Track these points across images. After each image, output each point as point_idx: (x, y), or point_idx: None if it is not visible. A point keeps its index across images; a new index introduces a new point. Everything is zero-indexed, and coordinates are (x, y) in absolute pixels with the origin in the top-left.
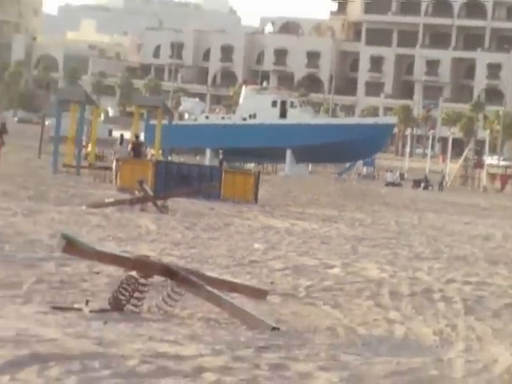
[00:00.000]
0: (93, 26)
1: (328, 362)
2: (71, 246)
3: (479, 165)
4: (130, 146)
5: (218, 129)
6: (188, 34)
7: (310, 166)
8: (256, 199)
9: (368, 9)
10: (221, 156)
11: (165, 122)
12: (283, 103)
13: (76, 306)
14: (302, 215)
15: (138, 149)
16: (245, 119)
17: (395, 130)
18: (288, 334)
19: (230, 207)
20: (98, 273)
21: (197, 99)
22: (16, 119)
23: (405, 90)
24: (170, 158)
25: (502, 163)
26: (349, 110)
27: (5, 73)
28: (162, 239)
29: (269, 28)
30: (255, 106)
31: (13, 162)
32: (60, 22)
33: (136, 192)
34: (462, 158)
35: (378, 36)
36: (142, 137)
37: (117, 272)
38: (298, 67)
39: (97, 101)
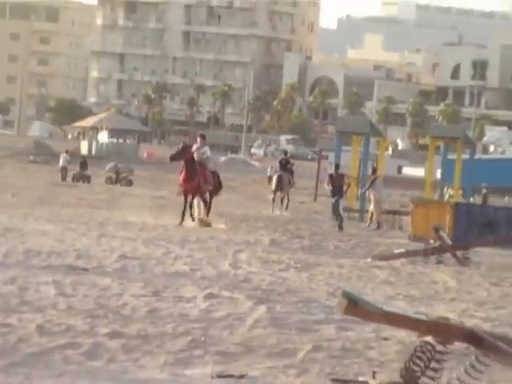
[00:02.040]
0: (379, 42)
1: None
2: (354, 306)
3: None
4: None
5: None
6: (493, 50)
7: None
8: None
9: None
10: None
11: (465, 155)
12: None
13: (360, 378)
14: None
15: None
16: None
17: None
18: None
19: None
20: (386, 338)
21: (504, 128)
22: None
23: None
24: (471, 199)
25: None
26: None
27: (275, 98)
28: (463, 298)
29: None
30: None
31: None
32: (339, 37)
33: (431, 241)
34: None
35: None
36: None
37: (409, 337)
38: None
39: (383, 131)
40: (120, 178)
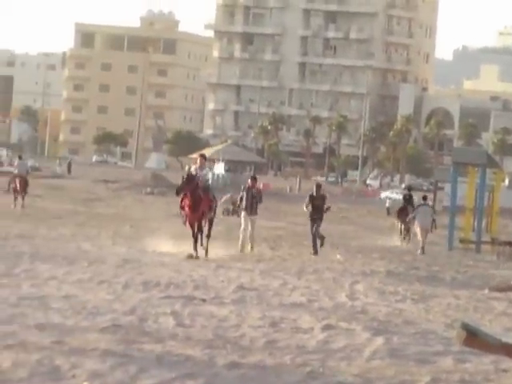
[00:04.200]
0: (495, 73)
1: None
2: (473, 338)
3: None
4: None
5: None
6: None
7: None
8: None
9: None
10: None
11: None
12: None
13: None
14: None
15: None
16: None
17: None
18: None
19: None
20: (505, 370)
21: None
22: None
23: None
24: None
25: None
26: None
27: (390, 129)
28: None
29: None
30: None
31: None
32: (456, 68)
33: None
34: None
35: None
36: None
37: None
38: None
39: (500, 163)
40: (236, 210)
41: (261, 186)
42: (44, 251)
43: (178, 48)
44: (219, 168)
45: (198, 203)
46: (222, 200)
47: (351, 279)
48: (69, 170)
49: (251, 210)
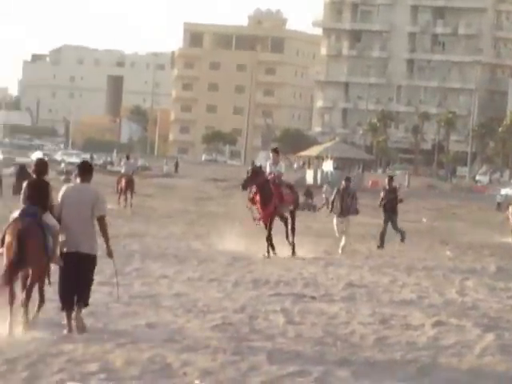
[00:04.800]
0: None
1: None
2: None
3: None
4: None
5: None
6: None
7: None
8: None
9: None
10: None
11: None
12: None
13: None
14: None
15: None
16: None
17: None
18: None
19: None
20: None
21: None
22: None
23: None
24: None
25: None
26: None
27: (499, 125)
28: None
29: None
30: None
31: None
32: None
33: None
34: None
35: None
36: None
37: None
38: None
39: None
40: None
41: (368, 183)
42: (154, 250)
43: (286, 46)
44: (328, 165)
45: (268, 198)
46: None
47: (461, 276)
48: (176, 169)
49: (347, 211)
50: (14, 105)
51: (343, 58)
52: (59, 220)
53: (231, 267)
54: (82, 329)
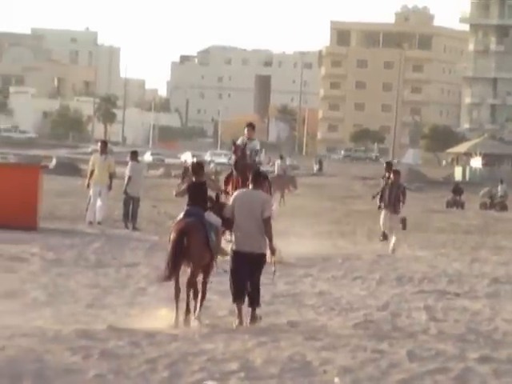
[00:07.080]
0: None
1: None
2: None
3: None
4: None
5: None
6: None
7: None
8: None
9: None
10: None
11: None
12: None
13: None
14: None
15: None
16: None
17: None
18: None
19: None
20: None
21: None
22: None
23: None
24: None
25: None
26: None
27: None
28: None
29: None
30: None
31: None
32: None
33: None
34: None
35: None
36: None
37: None
38: None
39: None
40: (495, 203)
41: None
42: (296, 249)
43: (433, 43)
44: (476, 162)
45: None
46: (481, 194)
47: None
48: (320, 168)
49: (394, 207)
50: (164, 106)
51: (491, 54)
52: (227, 220)
53: (376, 265)
54: (254, 320)
